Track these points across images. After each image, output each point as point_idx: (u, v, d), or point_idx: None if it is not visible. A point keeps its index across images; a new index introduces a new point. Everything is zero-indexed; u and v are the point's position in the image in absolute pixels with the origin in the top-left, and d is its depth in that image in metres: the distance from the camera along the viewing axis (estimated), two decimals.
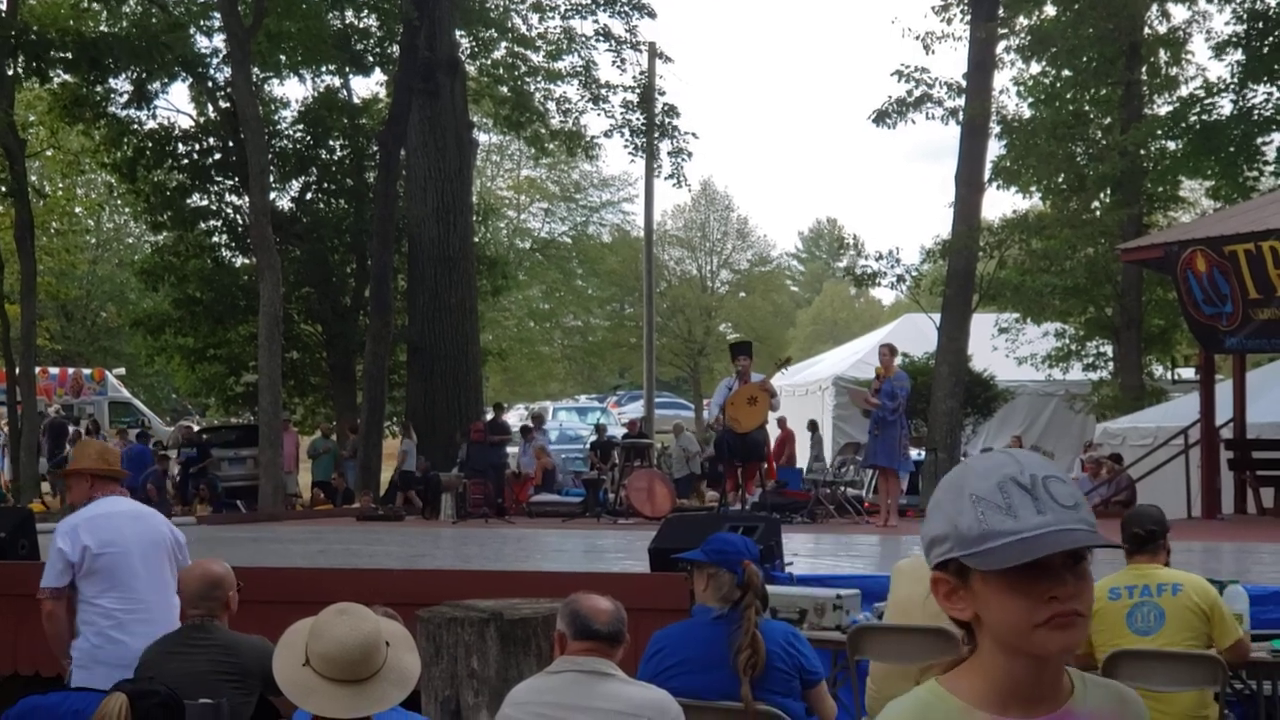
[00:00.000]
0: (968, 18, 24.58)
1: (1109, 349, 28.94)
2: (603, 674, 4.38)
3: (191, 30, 28.75)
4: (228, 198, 30.74)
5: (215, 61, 29.48)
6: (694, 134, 29.55)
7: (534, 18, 30.13)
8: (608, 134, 29.86)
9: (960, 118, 23.68)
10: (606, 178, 56.36)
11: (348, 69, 31.18)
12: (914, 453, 18.85)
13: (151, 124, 30.15)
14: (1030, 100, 29.40)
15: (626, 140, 29.42)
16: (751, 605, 5.34)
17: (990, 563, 1.87)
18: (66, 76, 27.59)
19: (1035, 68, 29.09)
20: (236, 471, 26.34)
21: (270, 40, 27.69)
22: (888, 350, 16.02)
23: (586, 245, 55.72)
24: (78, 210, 42.94)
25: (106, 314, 49.54)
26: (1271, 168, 27.33)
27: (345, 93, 32.63)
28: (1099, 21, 25.08)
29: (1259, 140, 26.78)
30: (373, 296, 26.62)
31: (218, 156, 30.02)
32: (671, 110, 29.19)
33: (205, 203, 30.93)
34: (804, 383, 33.78)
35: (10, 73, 25.41)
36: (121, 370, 42.87)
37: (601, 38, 29.27)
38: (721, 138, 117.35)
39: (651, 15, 29.08)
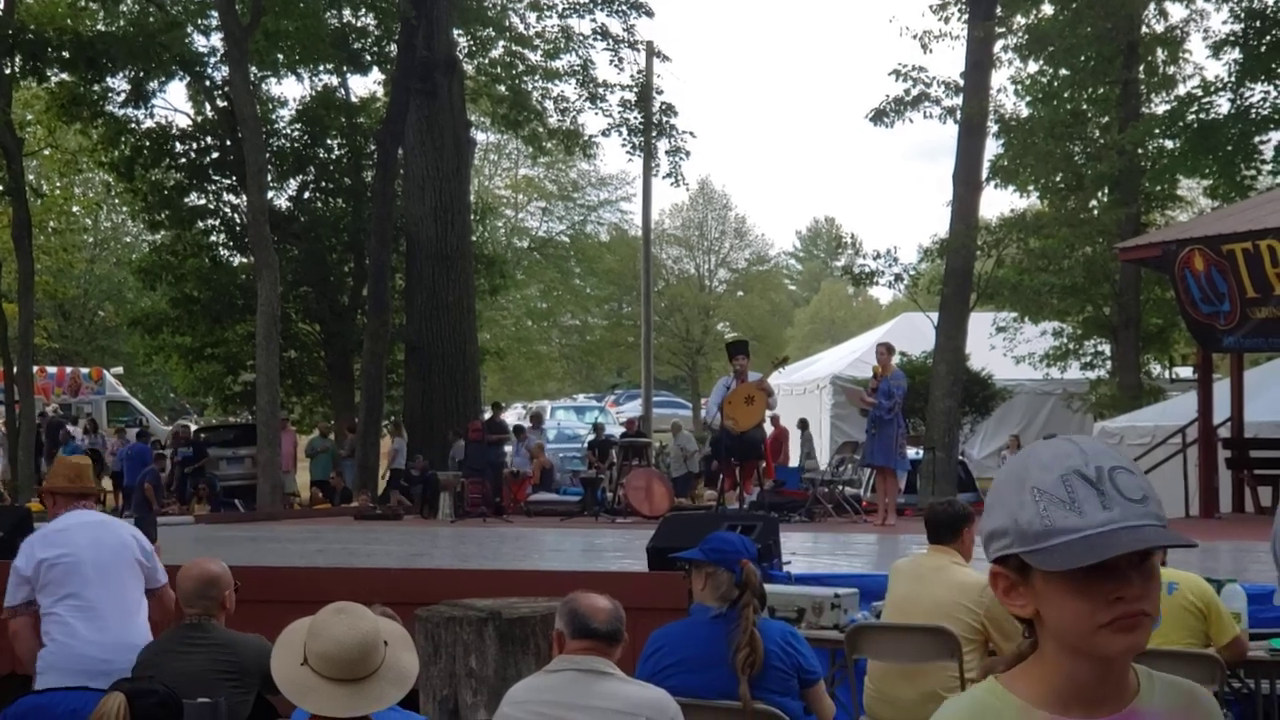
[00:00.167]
0: (965, 17, 24.56)
1: (1107, 348, 28.96)
2: (601, 673, 4.38)
3: (189, 29, 28.73)
4: (225, 197, 30.75)
5: (213, 60, 29.52)
6: (691, 133, 29.56)
7: (531, 17, 30.16)
8: (605, 133, 29.88)
9: (958, 117, 23.67)
10: (604, 177, 56.45)
11: (345, 68, 31.18)
12: (912, 452, 18.85)
13: (149, 123, 30.20)
14: (1028, 99, 29.41)
15: (624, 139, 29.43)
16: (750, 604, 5.34)
17: (1053, 562, 1.78)
18: (64, 75, 27.58)
19: (1033, 67, 29.10)
20: (234, 471, 26.32)
21: (268, 39, 27.69)
22: (885, 349, 16.03)
23: (584, 244, 55.73)
24: (75, 209, 42.96)
25: (104, 313, 49.53)
26: (1269, 166, 27.33)
27: (343, 92, 32.63)
28: (1096, 20, 25.09)
29: (1256, 139, 26.78)
30: (370, 295, 26.61)
31: (215, 155, 30.02)
32: (669, 109, 29.19)
33: (203, 202, 30.93)
34: (802, 382, 33.79)
35: (7, 72, 25.40)
36: (119, 369, 42.84)
37: (599, 37, 29.27)
38: (719, 137, 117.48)
39: (649, 14, 29.09)
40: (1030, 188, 29.04)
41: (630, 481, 17.98)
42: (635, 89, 29.51)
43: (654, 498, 17.57)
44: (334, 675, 3.56)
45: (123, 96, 28.77)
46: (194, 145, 30.37)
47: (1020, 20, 26.63)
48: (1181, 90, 27.95)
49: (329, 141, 31.31)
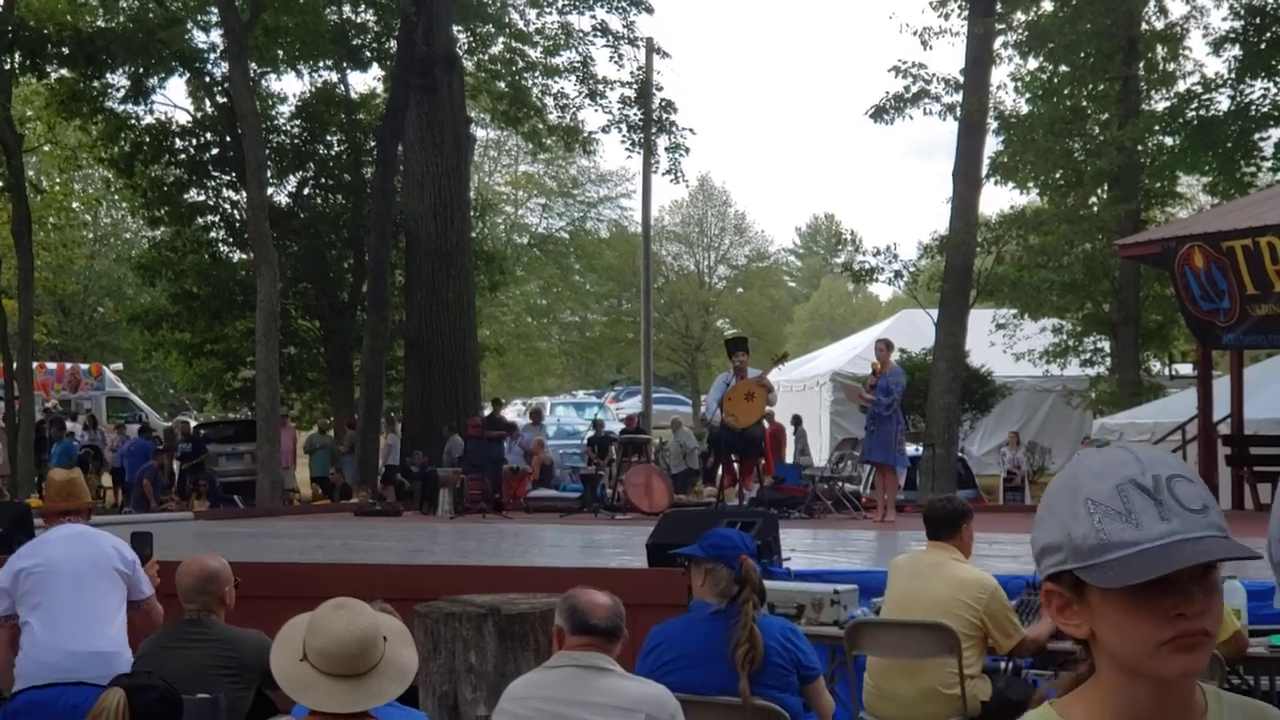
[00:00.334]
0: (965, 13, 24.56)
1: (1106, 345, 28.98)
2: (601, 669, 4.39)
3: (188, 25, 28.69)
4: (225, 193, 30.72)
5: (213, 56, 29.47)
6: (691, 130, 29.51)
7: (531, 13, 30.13)
8: (605, 129, 29.84)
9: (958, 113, 23.67)
10: (604, 173, 56.41)
11: (345, 64, 31.14)
12: (911, 448, 18.86)
13: (149, 119, 30.15)
14: (1028, 96, 29.42)
15: (624, 136, 29.40)
16: (749, 600, 5.34)
17: (1110, 579, 1.68)
18: (64, 71, 27.56)
19: (1033, 63, 29.12)
20: (234, 467, 26.33)
21: (267, 35, 27.67)
22: (884, 346, 16.03)
23: (584, 241, 55.71)
24: (75, 205, 42.92)
25: (104, 309, 49.51)
26: (1269, 163, 27.34)
27: (343, 88, 32.61)
28: (1096, 17, 25.09)
29: (1256, 136, 26.79)
30: (370, 292, 26.60)
31: (215, 152, 29.99)
32: (669, 106, 29.16)
33: (203, 198, 30.90)
34: (801, 378, 33.81)
35: (7, 67, 25.39)
36: (119, 365, 42.80)
37: (599, 33, 29.24)
38: (719, 133, 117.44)
39: (649, 10, 29.03)
40: (1030, 184, 29.07)
41: (630, 478, 17.98)
42: (635, 85, 29.48)
43: (653, 494, 17.57)
44: (333, 671, 3.56)
45: (122, 93, 28.74)
46: (194, 141, 30.34)
47: (1020, 17, 26.62)
48: (1181, 87, 27.98)
49: (329, 138, 31.28)
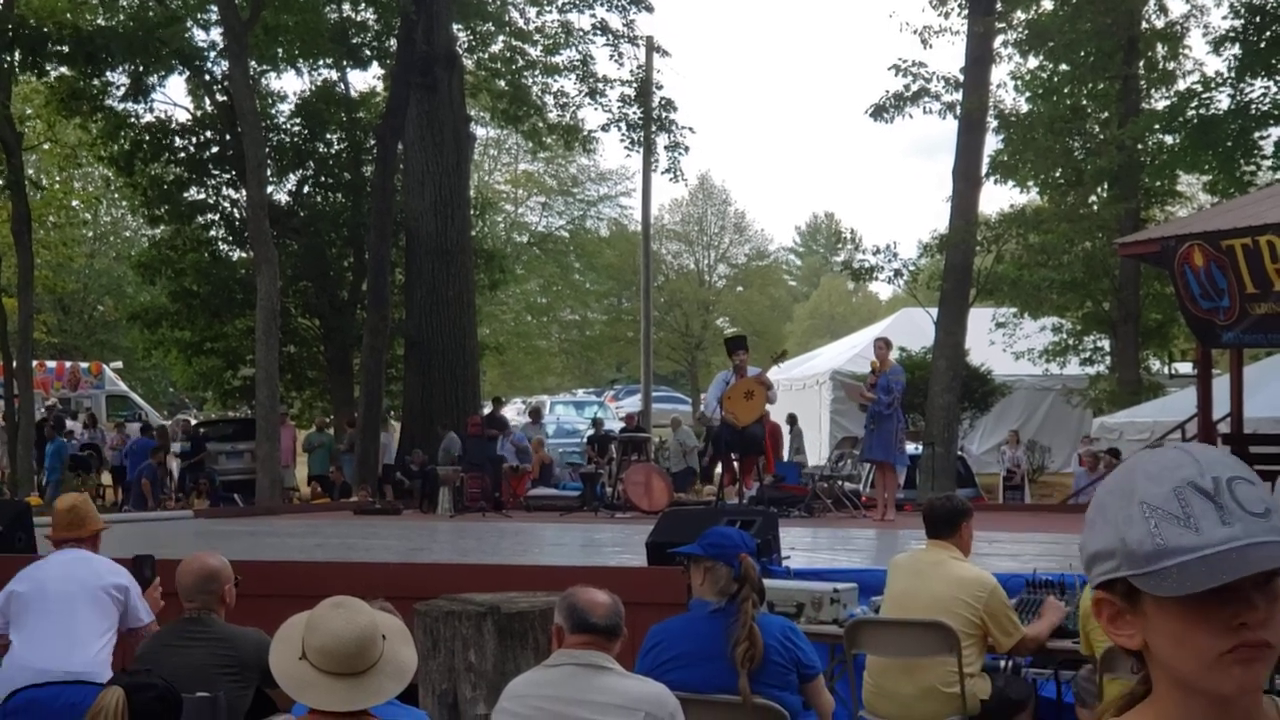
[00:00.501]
0: (965, 12, 24.59)
1: (1106, 343, 29.00)
2: (600, 667, 4.39)
3: (188, 24, 28.69)
4: (225, 191, 30.73)
5: (212, 55, 29.46)
6: (690, 128, 29.53)
7: (531, 12, 30.13)
8: (605, 128, 29.83)
9: (958, 112, 23.69)
10: (604, 172, 56.41)
11: (345, 63, 31.13)
12: (911, 447, 18.86)
13: (149, 117, 30.15)
14: (1028, 95, 29.43)
15: (623, 135, 29.41)
16: (749, 599, 5.34)
17: (1168, 587, 1.58)
18: (63, 70, 27.55)
19: (1033, 62, 29.13)
20: (234, 465, 26.32)
21: (267, 34, 27.66)
22: (883, 344, 16.02)
23: (584, 239, 55.70)
24: (75, 204, 42.88)
25: (104, 307, 49.51)
26: (1269, 162, 27.33)
27: (343, 86, 32.60)
28: (1096, 16, 25.09)
29: (1256, 135, 26.78)
30: (370, 290, 26.59)
31: (215, 150, 29.99)
32: (669, 104, 29.17)
33: (202, 196, 30.90)
34: (801, 377, 33.81)
35: (7, 66, 25.39)
36: (119, 364, 42.79)
37: (599, 31, 29.25)
38: (719, 132, 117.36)
39: (649, 9, 29.04)
40: (1030, 183, 29.08)
41: (629, 476, 17.96)
42: (635, 84, 29.49)
43: (653, 493, 17.56)
44: (332, 669, 3.56)
45: (122, 91, 28.75)
46: (194, 140, 30.34)
47: (1020, 15, 26.64)
48: (1181, 86, 27.98)
49: (328, 136, 31.27)
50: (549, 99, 30.59)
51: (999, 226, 25.82)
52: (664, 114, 29.05)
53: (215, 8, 25.46)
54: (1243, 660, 1.60)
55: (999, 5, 24.81)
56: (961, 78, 23.84)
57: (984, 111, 23.85)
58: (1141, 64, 28.14)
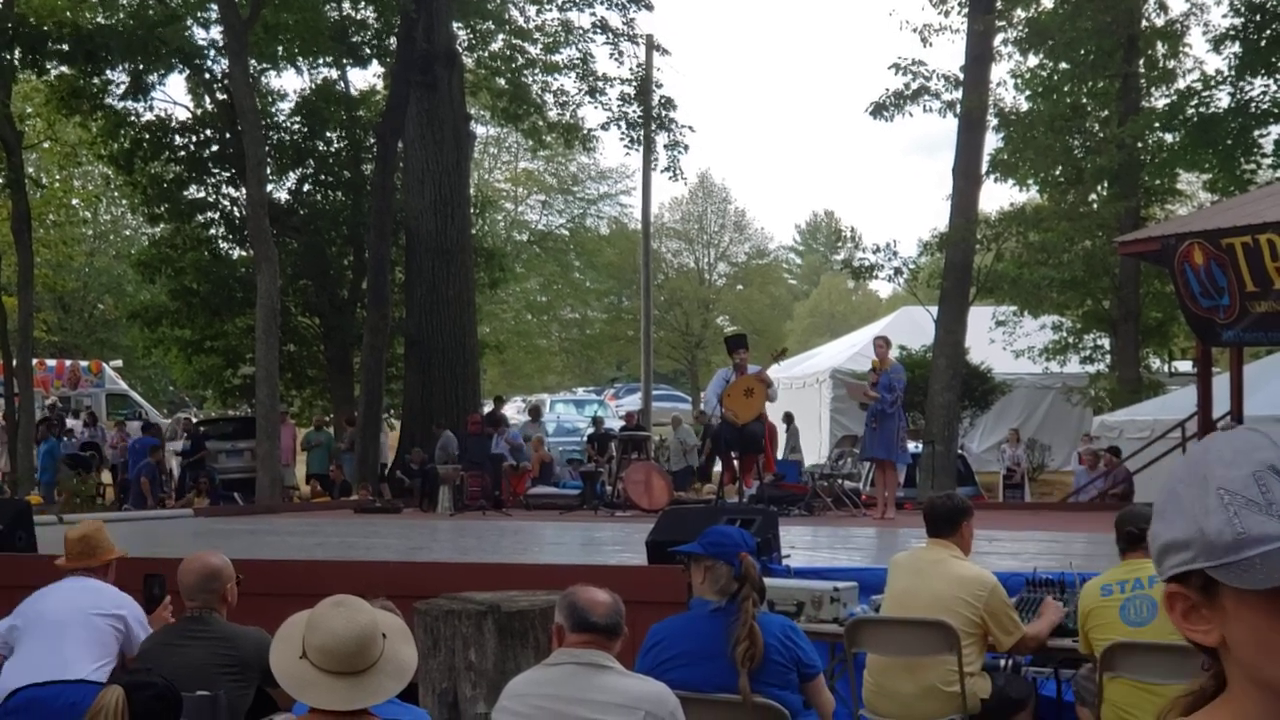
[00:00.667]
0: (965, 10, 24.60)
1: (1106, 342, 28.99)
2: (600, 666, 4.39)
3: (188, 22, 28.68)
4: (225, 190, 30.72)
5: (212, 53, 29.45)
6: (690, 127, 29.52)
7: (531, 10, 30.13)
8: (605, 127, 29.84)
9: (958, 110, 23.69)
10: (604, 170, 56.41)
11: (345, 61, 31.13)
12: (911, 445, 18.85)
13: (149, 116, 30.15)
14: (1028, 93, 29.43)
15: (623, 133, 29.41)
16: (749, 598, 5.34)
17: (1251, 579, 1.45)
18: (63, 68, 27.54)
19: (1033, 60, 29.12)
20: (234, 464, 26.32)
21: (267, 32, 27.66)
22: (883, 343, 16.01)
23: (584, 238, 55.69)
24: (75, 202, 42.88)
25: (104, 306, 49.51)
26: (1269, 160, 27.35)
27: (343, 85, 32.60)
28: (1096, 14, 25.08)
29: (1256, 133, 26.79)
30: (370, 289, 26.60)
31: (215, 148, 29.98)
32: (668, 103, 29.17)
33: (202, 195, 30.90)
34: (801, 375, 33.81)
35: (7, 64, 25.38)
36: (119, 362, 42.80)
37: (599, 30, 29.25)
38: (719, 130, 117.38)
39: (649, 7, 29.05)
40: (1030, 181, 29.07)
41: (629, 475, 17.96)
42: (635, 83, 29.49)
43: (653, 491, 17.56)
44: (332, 668, 3.56)
45: (122, 89, 28.74)
46: (193, 138, 30.33)
47: (1020, 14, 26.64)
48: (1181, 84, 27.98)
49: (328, 135, 31.27)
50: (549, 97, 30.63)
51: (999, 225, 25.82)
52: (664, 112, 29.06)
53: (215, 6, 25.46)
54: None
55: (999, 3, 24.82)
56: (961, 76, 23.84)
57: (984, 110, 23.86)
58: (1141, 62, 28.13)
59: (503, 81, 30.45)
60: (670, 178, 29.27)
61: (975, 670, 6.27)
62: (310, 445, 27.32)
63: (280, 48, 29.86)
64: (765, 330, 55.26)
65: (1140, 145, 26.71)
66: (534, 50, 30.18)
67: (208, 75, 29.75)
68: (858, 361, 27.96)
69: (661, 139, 29.19)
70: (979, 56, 23.58)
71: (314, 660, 3.57)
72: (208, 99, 30.22)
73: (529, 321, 56.00)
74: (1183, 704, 1.61)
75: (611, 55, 29.30)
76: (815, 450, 27.60)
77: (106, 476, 28.74)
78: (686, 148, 28.98)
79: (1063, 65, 28.23)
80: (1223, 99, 26.88)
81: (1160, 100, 28.48)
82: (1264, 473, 1.49)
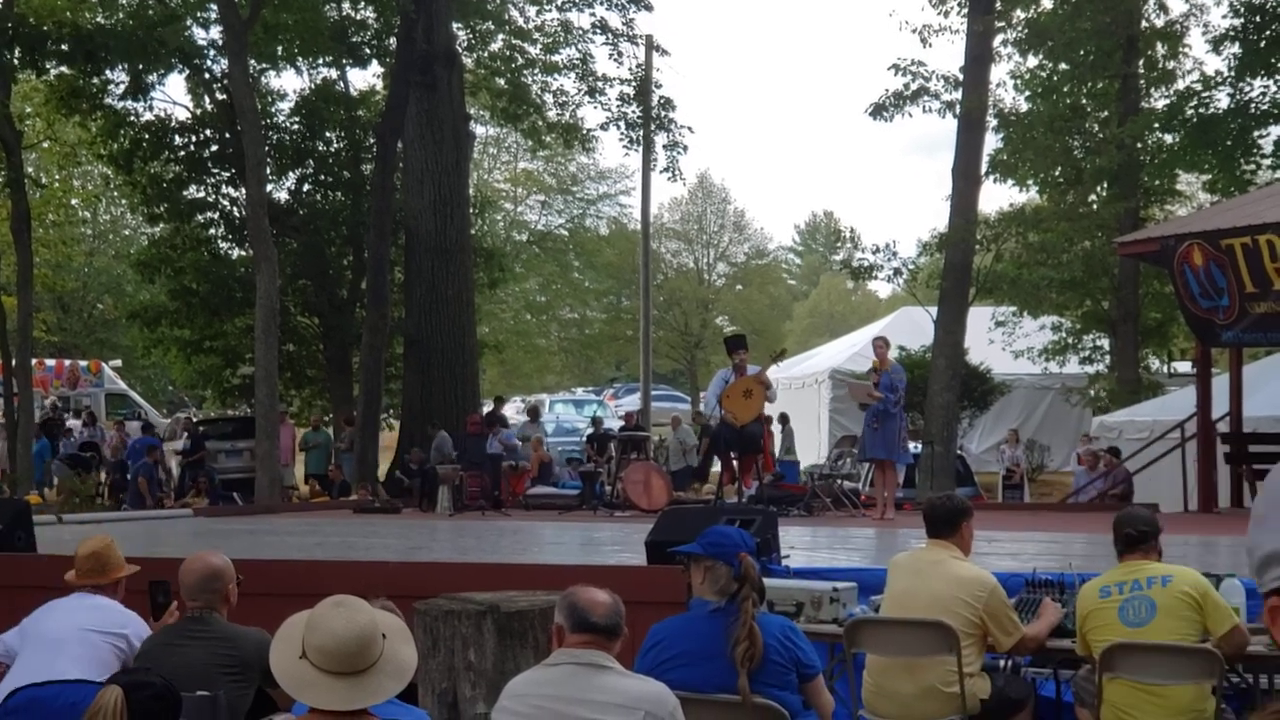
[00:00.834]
0: (965, 11, 24.60)
1: (1106, 342, 29.00)
2: (600, 666, 4.39)
3: (188, 22, 28.67)
4: (224, 190, 30.68)
5: (212, 53, 29.44)
6: (689, 128, 29.49)
7: (531, 10, 30.14)
8: (604, 127, 29.84)
9: (957, 111, 23.70)
10: (603, 170, 56.40)
11: (345, 61, 31.12)
12: (911, 446, 18.86)
13: (148, 116, 30.12)
14: (1027, 93, 29.43)
15: (622, 133, 29.42)
16: (748, 598, 5.34)
17: None
18: (63, 68, 27.52)
19: (1032, 61, 29.13)
20: (233, 464, 26.31)
21: (267, 32, 27.64)
22: (883, 343, 16.02)
23: (583, 238, 55.69)
24: (74, 202, 42.87)
25: (103, 306, 49.51)
26: (1268, 161, 27.36)
27: (342, 85, 32.59)
28: (1096, 15, 25.10)
29: (1256, 134, 26.81)
30: (369, 289, 26.60)
31: (214, 148, 29.96)
32: (668, 103, 29.17)
33: (202, 195, 30.87)
34: (800, 375, 33.82)
35: (6, 64, 25.37)
36: (118, 362, 42.82)
37: (598, 30, 29.26)
38: (718, 130, 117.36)
39: (648, 8, 29.06)
40: (1029, 182, 29.08)
41: (629, 475, 17.96)
42: (634, 83, 29.50)
43: (653, 491, 17.56)
44: (332, 669, 3.56)
45: (122, 89, 28.72)
46: (193, 138, 30.30)
47: (1020, 14, 26.64)
48: (1181, 85, 27.99)
49: (328, 135, 31.25)
50: (548, 97, 30.64)
51: (998, 225, 25.82)
52: (663, 113, 29.07)
53: (215, 6, 25.45)
54: None
55: (998, 4, 24.81)
56: (961, 76, 23.84)
57: (984, 110, 23.86)
58: (1141, 63, 28.14)
59: (502, 81, 30.46)
60: (669, 178, 29.31)
61: (975, 671, 6.27)
62: (309, 445, 27.31)
63: (280, 48, 29.84)
64: (764, 330, 55.25)
65: (1140, 146, 26.72)
66: (534, 50, 30.20)
67: (207, 75, 29.73)
68: (857, 362, 27.96)
69: (661, 139, 29.22)
70: (978, 57, 23.58)
71: (314, 660, 3.57)
72: (207, 99, 30.20)
73: (528, 321, 56.00)
74: (1275, 715, 1.50)
75: (611, 56, 29.34)
76: (814, 450, 27.60)
77: (103, 476, 28.73)
78: (685, 148, 29.03)
79: (1062, 66, 28.24)
80: (1222, 100, 26.91)
81: (1160, 101, 28.50)
82: None
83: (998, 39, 25.87)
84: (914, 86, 24.50)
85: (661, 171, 29.48)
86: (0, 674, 6.24)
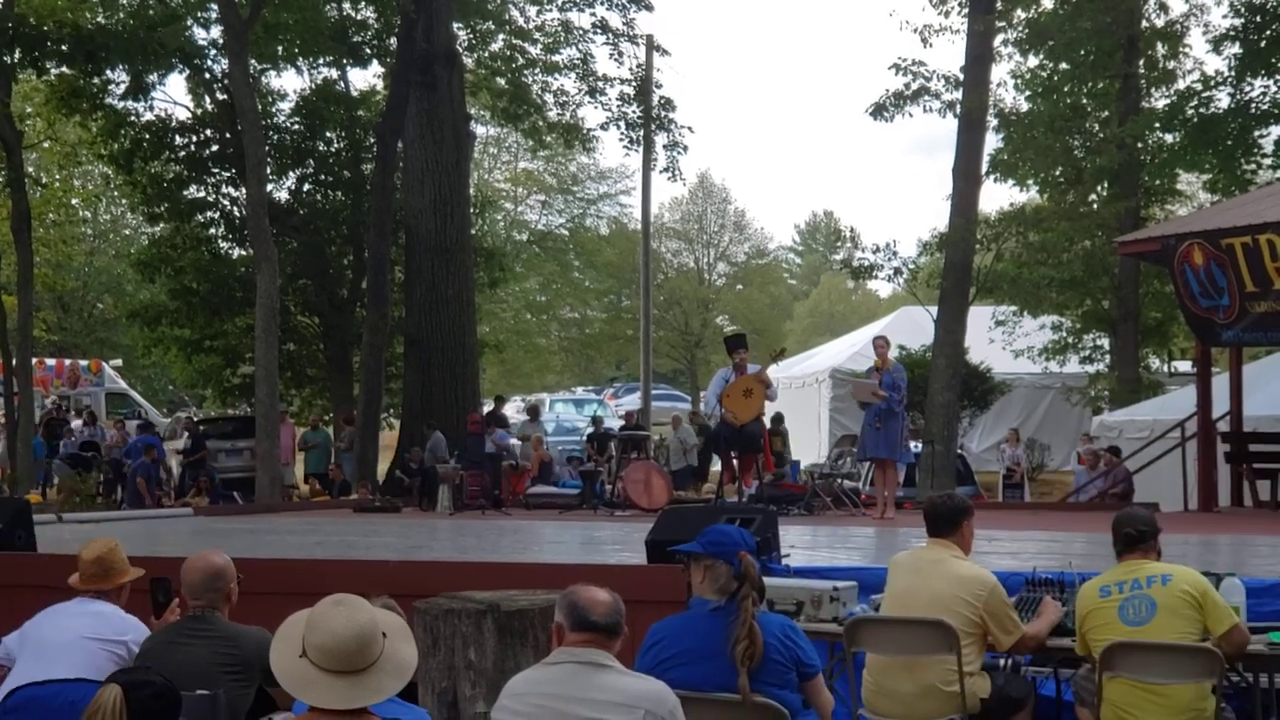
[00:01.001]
0: (965, 11, 24.61)
1: (1106, 342, 29.00)
2: (600, 665, 4.39)
3: (188, 22, 28.66)
4: (225, 189, 30.68)
5: (212, 53, 29.44)
6: (689, 128, 29.51)
7: (531, 10, 30.15)
8: (604, 126, 29.85)
9: (958, 111, 23.70)
10: (604, 170, 56.42)
11: (345, 61, 31.12)
12: (912, 445, 18.86)
13: (149, 115, 30.14)
14: (1028, 93, 29.44)
15: (623, 133, 29.42)
16: (748, 597, 5.34)
17: None
18: (63, 68, 27.52)
19: (1033, 61, 29.14)
20: (233, 463, 26.32)
21: (267, 32, 27.64)
22: (883, 343, 16.01)
23: (584, 237, 55.69)
24: (75, 202, 42.87)
25: (103, 305, 49.52)
26: (1269, 161, 27.37)
27: (342, 85, 32.59)
28: (1097, 15, 25.10)
29: (1256, 133, 26.82)
30: (370, 288, 26.60)
31: (215, 148, 29.96)
32: (668, 103, 29.18)
33: (202, 194, 30.86)
34: (801, 375, 33.81)
35: (7, 64, 25.37)
36: (118, 361, 42.83)
37: (599, 30, 29.26)
38: (719, 130, 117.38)
39: (649, 8, 29.07)
40: (1030, 182, 29.10)
41: (629, 474, 17.96)
42: (634, 83, 29.50)
43: (653, 490, 17.56)
44: (332, 667, 3.56)
45: (122, 89, 28.72)
46: (193, 138, 30.30)
47: (1020, 14, 26.66)
48: (1181, 85, 28.01)
49: (328, 134, 31.25)
50: (549, 97, 30.65)
51: (999, 225, 25.82)
52: (663, 113, 29.07)
53: (215, 6, 25.45)
54: None
55: (999, 4, 24.82)
56: (961, 76, 23.84)
57: (984, 110, 23.86)
58: (1141, 63, 28.14)
59: (503, 81, 30.46)
60: (669, 178, 29.32)
61: (975, 670, 6.27)
62: (309, 445, 27.32)
63: (280, 48, 29.84)
64: (765, 330, 55.23)
65: (1140, 145, 26.73)
66: (534, 50, 30.20)
67: (208, 75, 29.73)
68: (857, 361, 27.97)
69: (661, 139, 29.23)
70: (979, 57, 23.59)
71: (314, 659, 3.57)
72: (208, 99, 30.21)
73: (528, 321, 55.99)
74: None
75: (611, 55, 29.36)
76: (814, 450, 27.61)
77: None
78: (686, 148, 29.05)
79: (1063, 66, 28.25)
80: (1223, 99, 26.92)
81: (1160, 101, 28.50)
82: None
83: (998, 39, 25.89)
84: (914, 86, 24.52)
85: (661, 171, 29.51)
86: (0, 677, 6.23)
